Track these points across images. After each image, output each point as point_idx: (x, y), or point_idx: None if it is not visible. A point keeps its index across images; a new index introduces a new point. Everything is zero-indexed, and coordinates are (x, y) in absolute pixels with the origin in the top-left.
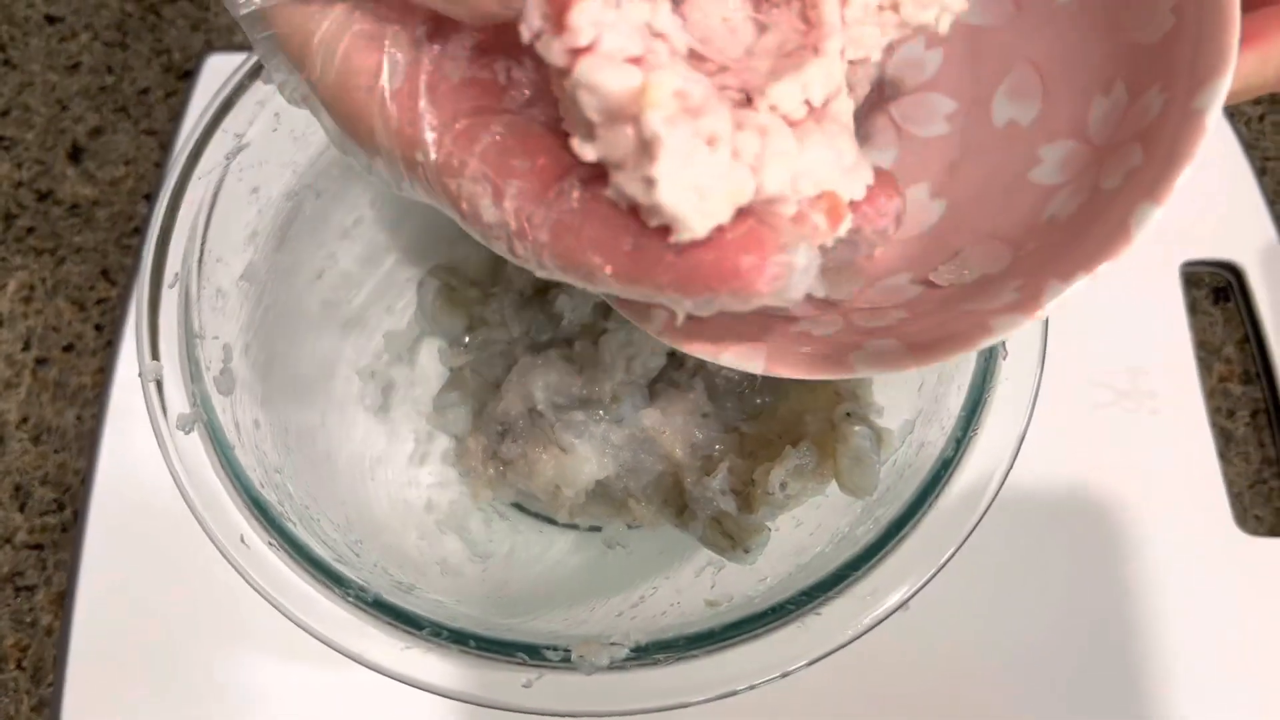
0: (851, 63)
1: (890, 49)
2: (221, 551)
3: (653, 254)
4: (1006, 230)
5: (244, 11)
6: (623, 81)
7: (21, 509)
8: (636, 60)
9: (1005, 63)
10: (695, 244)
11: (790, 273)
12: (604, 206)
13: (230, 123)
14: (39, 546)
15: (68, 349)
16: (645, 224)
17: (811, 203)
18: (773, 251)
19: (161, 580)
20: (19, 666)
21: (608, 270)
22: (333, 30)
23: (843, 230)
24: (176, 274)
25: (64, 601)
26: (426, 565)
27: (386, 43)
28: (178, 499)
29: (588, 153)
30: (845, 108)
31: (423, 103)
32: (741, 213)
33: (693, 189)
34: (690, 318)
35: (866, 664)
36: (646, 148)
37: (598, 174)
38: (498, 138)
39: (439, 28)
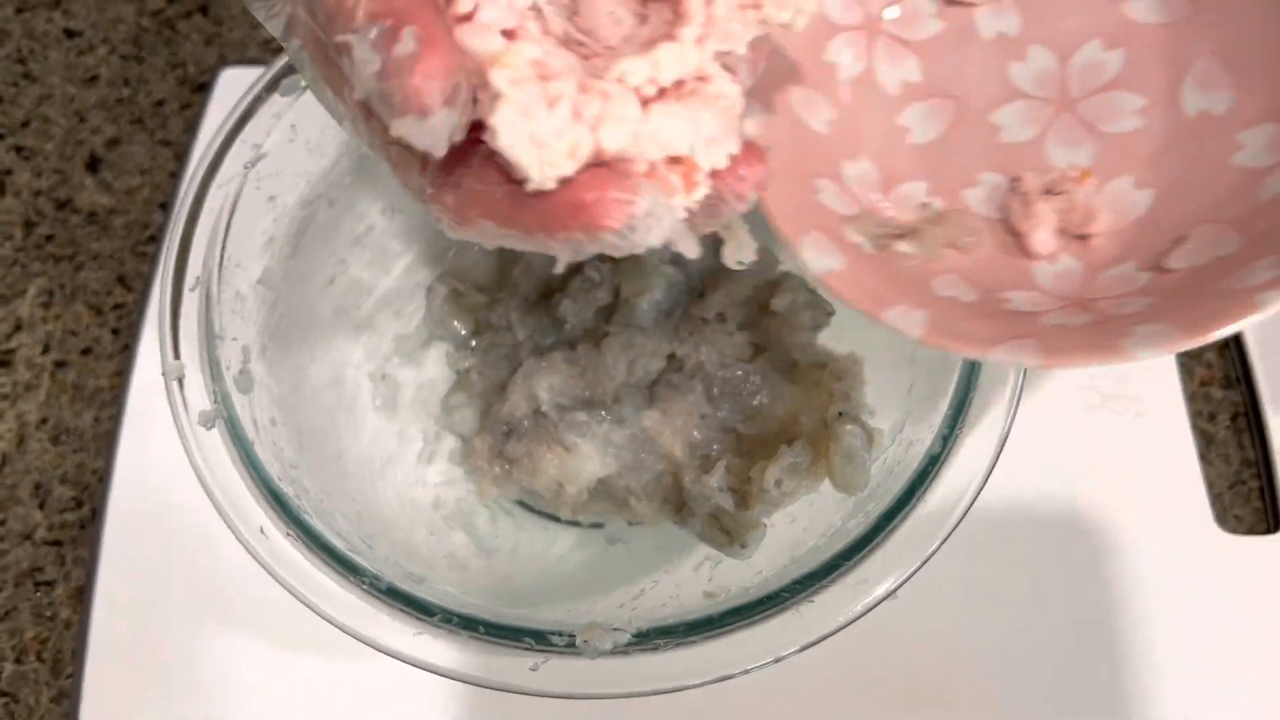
0: (721, 52)
1: (761, 44)
2: (241, 542)
3: (518, 200)
4: (1226, 214)
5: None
6: (486, 45)
7: (41, 506)
8: (509, 34)
9: (1187, 56)
10: (552, 191)
11: (636, 212)
12: (492, 168)
13: (249, 133)
14: (58, 543)
15: (86, 352)
16: (513, 180)
17: (667, 165)
18: (614, 189)
19: (177, 576)
20: (39, 659)
21: (485, 219)
22: None
23: (699, 194)
24: (198, 277)
25: (83, 596)
26: (435, 559)
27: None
28: (194, 497)
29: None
30: (721, 89)
31: None
32: (592, 168)
33: (530, 139)
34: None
35: (858, 653)
36: (493, 101)
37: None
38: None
39: None
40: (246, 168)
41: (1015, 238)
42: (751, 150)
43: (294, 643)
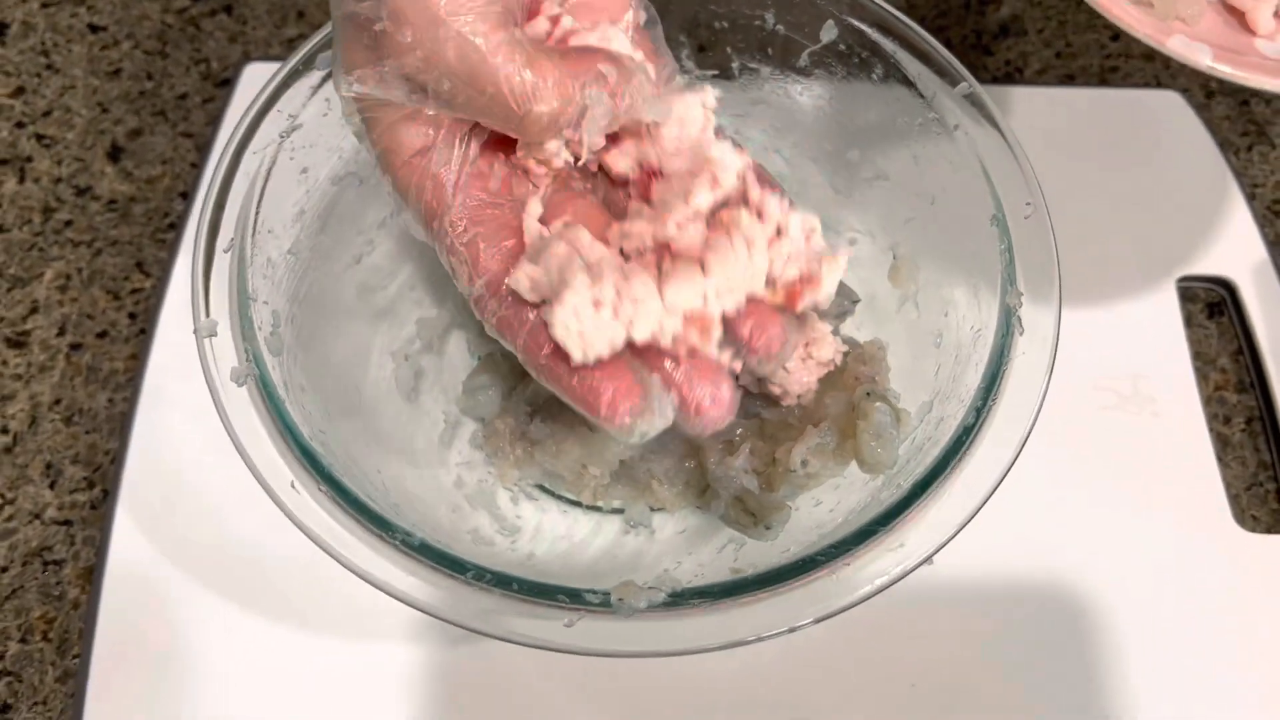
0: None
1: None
2: (272, 497)
3: (557, 371)
4: None
5: (344, 93)
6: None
7: (52, 486)
8: None
9: None
10: (583, 369)
11: (639, 424)
12: (543, 332)
13: (285, 103)
14: (68, 523)
15: (101, 336)
16: (557, 345)
17: (686, 325)
18: (622, 407)
19: (188, 557)
20: (45, 638)
21: (528, 367)
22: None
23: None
24: (231, 239)
25: (92, 576)
26: (459, 534)
27: (435, 136)
28: (208, 479)
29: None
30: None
31: (446, 190)
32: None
33: (578, 333)
34: None
35: (877, 633)
36: (557, 295)
37: None
38: (479, 234)
39: (470, 131)
40: (282, 136)
41: (1237, 16)
42: (763, 312)
43: (305, 626)
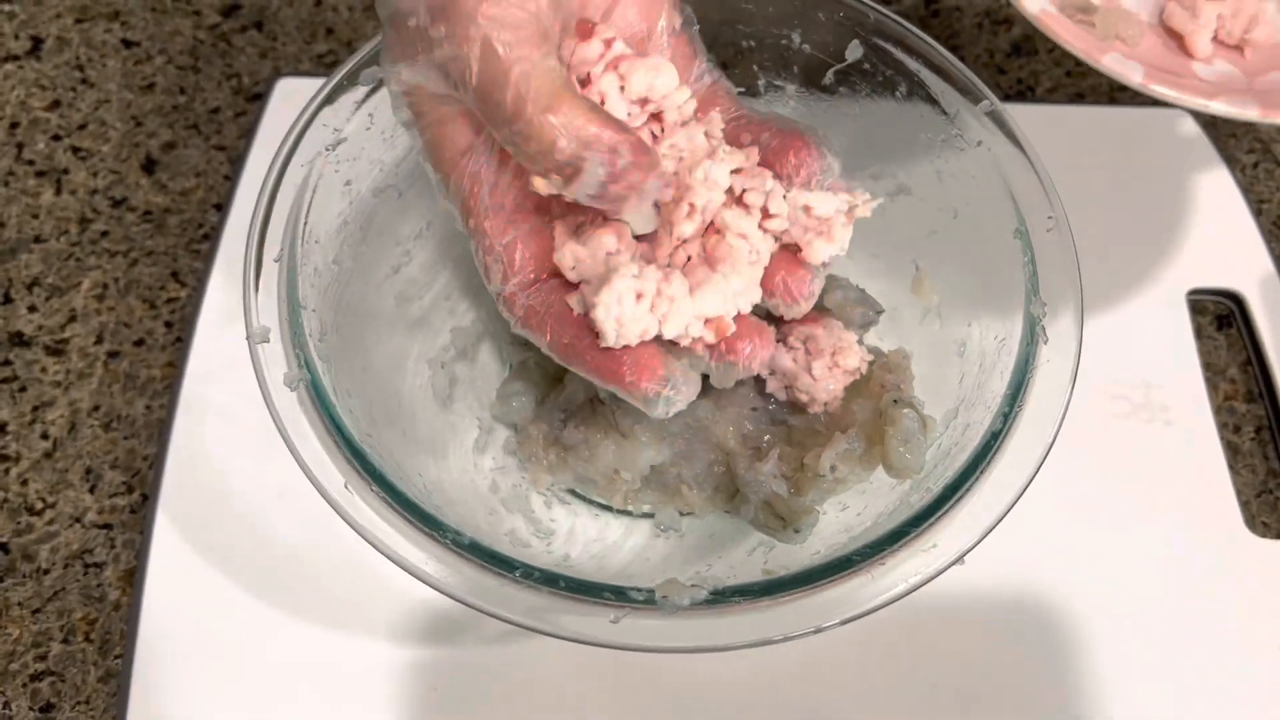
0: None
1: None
2: (326, 498)
3: (580, 348)
4: None
5: (392, 87)
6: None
7: (92, 490)
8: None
9: None
10: (608, 349)
11: (664, 389)
12: (564, 307)
13: (328, 116)
14: (108, 526)
15: (139, 344)
16: (584, 327)
17: (703, 326)
18: (648, 377)
19: (228, 560)
20: (87, 639)
21: (553, 349)
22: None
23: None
24: (280, 249)
25: (133, 578)
26: (497, 536)
27: (477, 136)
28: (246, 484)
29: (572, 272)
30: (757, 247)
31: (484, 189)
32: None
33: (615, 319)
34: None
35: (898, 635)
36: (600, 282)
37: (564, 284)
38: (517, 236)
39: None
40: (327, 149)
41: (1176, 39)
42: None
43: (342, 626)
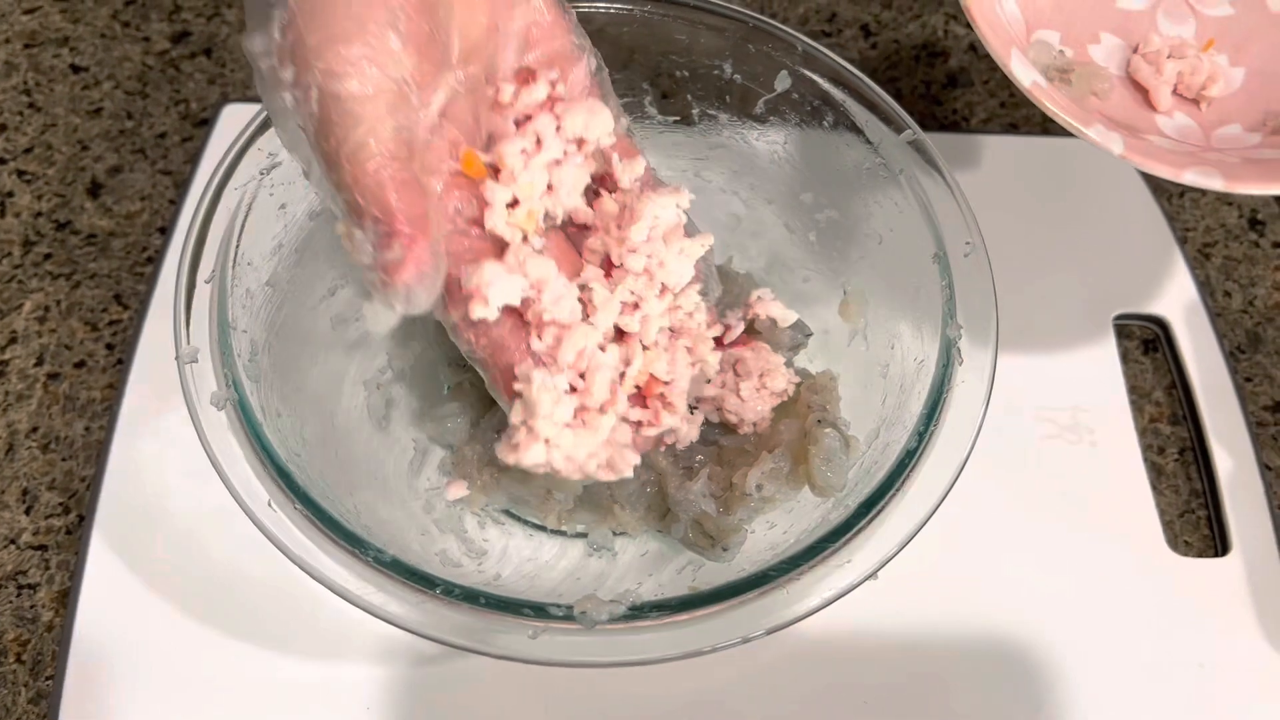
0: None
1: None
2: (250, 516)
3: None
4: None
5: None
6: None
7: (28, 512)
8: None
9: None
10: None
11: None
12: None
13: (265, 142)
14: (43, 547)
15: (79, 365)
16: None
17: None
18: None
19: (162, 581)
20: (18, 660)
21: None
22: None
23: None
24: (212, 270)
25: (66, 599)
26: (428, 556)
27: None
28: (183, 504)
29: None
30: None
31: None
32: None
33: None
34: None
35: (828, 655)
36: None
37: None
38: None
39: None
40: (262, 173)
41: (1141, 93)
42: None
43: (276, 647)
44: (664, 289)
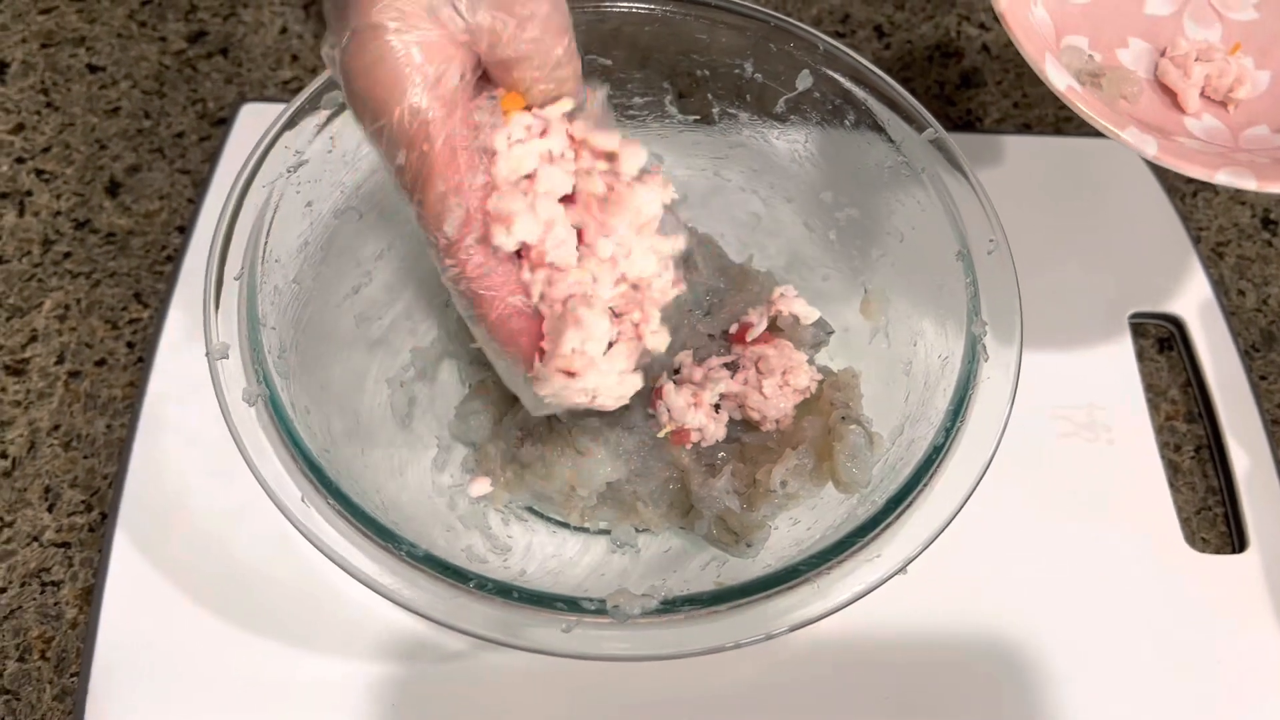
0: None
1: None
2: (284, 511)
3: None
4: None
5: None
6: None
7: (50, 509)
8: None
9: None
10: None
11: None
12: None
13: (291, 139)
14: (66, 545)
15: (100, 364)
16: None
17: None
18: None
19: (186, 578)
20: (43, 657)
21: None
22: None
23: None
24: (241, 267)
25: (90, 596)
26: (454, 552)
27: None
28: (205, 502)
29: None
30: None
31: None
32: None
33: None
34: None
35: (854, 648)
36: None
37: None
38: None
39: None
40: (289, 171)
41: (1169, 95)
42: None
43: (299, 643)
44: (622, 278)
